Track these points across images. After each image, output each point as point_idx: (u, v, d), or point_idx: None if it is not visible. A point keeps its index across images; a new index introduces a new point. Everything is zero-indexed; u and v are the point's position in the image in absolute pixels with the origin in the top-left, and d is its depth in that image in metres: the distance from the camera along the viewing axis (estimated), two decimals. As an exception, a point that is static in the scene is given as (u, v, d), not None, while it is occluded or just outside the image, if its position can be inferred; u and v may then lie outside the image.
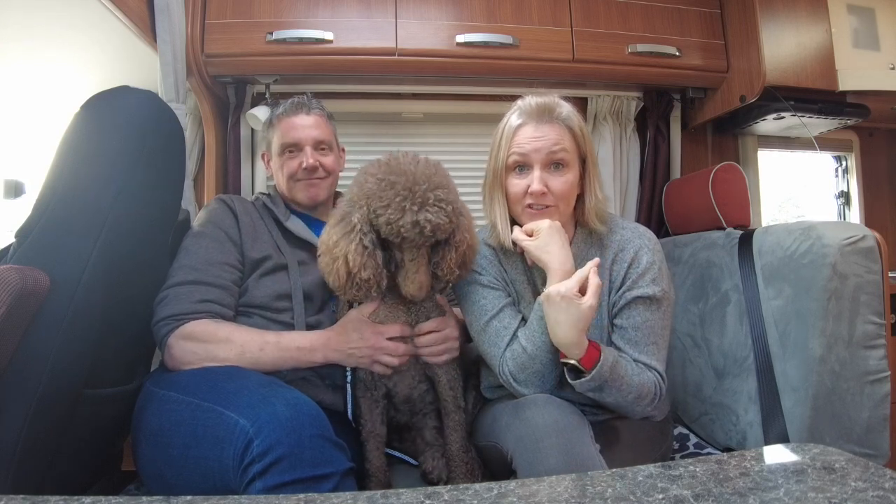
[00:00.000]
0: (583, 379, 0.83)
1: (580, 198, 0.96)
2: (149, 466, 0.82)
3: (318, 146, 1.16)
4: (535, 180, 0.90)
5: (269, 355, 0.90)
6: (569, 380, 0.85)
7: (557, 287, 0.83)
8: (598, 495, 0.46)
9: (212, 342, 0.89)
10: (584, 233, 0.98)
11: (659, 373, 0.89)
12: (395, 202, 0.80)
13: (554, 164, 0.91)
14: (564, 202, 0.92)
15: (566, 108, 0.94)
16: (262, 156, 1.27)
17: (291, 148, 1.15)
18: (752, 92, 1.48)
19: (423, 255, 0.86)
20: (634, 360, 0.89)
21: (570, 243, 0.97)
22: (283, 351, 0.91)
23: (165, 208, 0.94)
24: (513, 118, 0.95)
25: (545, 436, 0.77)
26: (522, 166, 0.93)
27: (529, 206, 0.92)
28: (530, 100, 0.94)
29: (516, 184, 0.93)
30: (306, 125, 1.16)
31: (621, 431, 0.92)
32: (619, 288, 0.94)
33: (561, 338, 0.83)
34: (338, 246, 0.85)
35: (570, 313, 0.81)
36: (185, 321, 0.90)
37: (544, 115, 0.92)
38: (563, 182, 0.91)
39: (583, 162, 0.95)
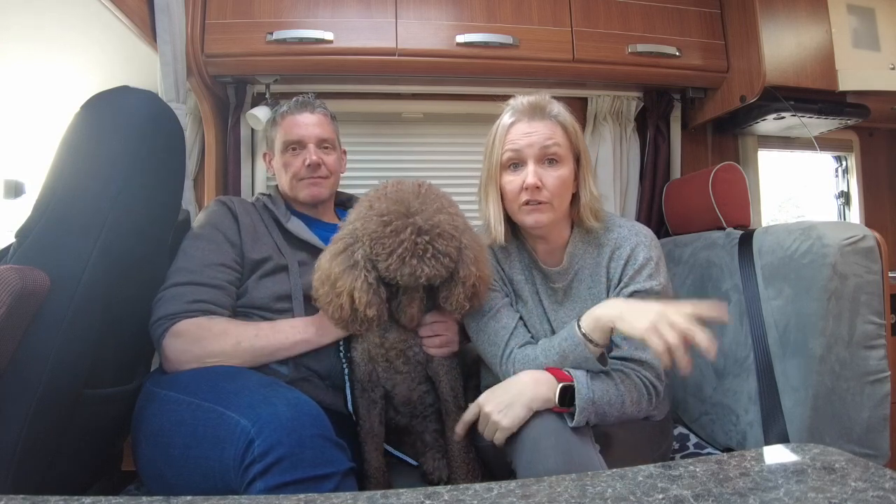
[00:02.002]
0: (575, 421, 0.81)
1: (575, 196, 0.97)
2: (149, 467, 0.82)
3: (321, 144, 1.16)
4: (529, 174, 0.90)
5: (263, 340, 0.91)
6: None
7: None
8: (598, 495, 0.46)
9: (206, 337, 0.89)
10: (581, 231, 0.99)
11: (654, 367, 0.89)
12: (398, 252, 0.79)
13: (548, 158, 0.92)
14: (559, 198, 0.92)
15: (557, 106, 0.95)
16: (264, 156, 1.27)
17: (294, 145, 1.15)
18: (752, 92, 1.48)
19: (417, 290, 0.86)
20: (630, 358, 0.89)
21: (567, 242, 0.98)
22: (278, 332, 0.93)
23: (165, 208, 0.94)
24: (505, 117, 0.96)
25: (544, 436, 0.77)
26: (517, 163, 0.93)
27: (526, 202, 0.92)
28: (522, 99, 0.96)
29: (511, 181, 0.93)
30: (310, 123, 1.16)
31: (621, 432, 0.92)
32: (617, 285, 0.94)
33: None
34: (341, 279, 0.84)
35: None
36: (177, 320, 0.90)
37: (536, 112, 0.93)
38: (556, 177, 0.91)
39: (577, 159, 0.96)
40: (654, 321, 0.73)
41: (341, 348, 1.00)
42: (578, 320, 0.85)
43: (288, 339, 0.93)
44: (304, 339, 0.94)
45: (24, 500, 0.46)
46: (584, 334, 0.83)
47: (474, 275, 0.87)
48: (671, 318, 0.72)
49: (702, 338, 0.70)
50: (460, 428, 0.88)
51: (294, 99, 1.20)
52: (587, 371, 0.85)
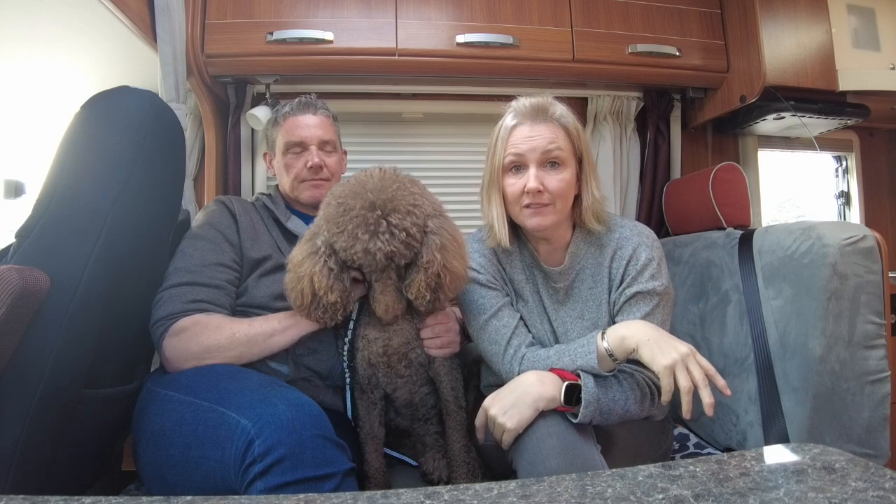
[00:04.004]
0: (580, 417, 0.82)
1: (577, 198, 0.97)
2: (149, 467, 0.82)
3: (323, 146, 1.16)
4: (531, 178, 0.90)
5: (257, 327, 0.91)
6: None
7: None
8: (598, 495, 0.46)
9: (202, 332, 0.89)
10: (583, 232, 0.98)
11: None
12: (348, 229, 0.79)
13: (550, 162, 0.91)
14: (562, 200, 0.92)
15: (560, 108, 0.95)
16: (264, 155, 1.27)
17: (296, 147, 1.15)
18: (752, 92, 1.48)
19: (389, 277, 0.84)
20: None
21: (569, 244, 0.98)
22: (271, 319, 0.93)
23: (165, 208, 0.94)
24: (508, 119, 0.95)
25: (546, 436, 0.77)
26: (519, 166, 0.93)
27: (527, 205, 0.92)
28: (524, 100, 0.95)
29: (513, 183, 0.93)
30: (312, 125, 1.16)
31: (622, 432, 0.92)
32: (619, 285, 0.94)
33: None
34: (303, 266, 0.84)
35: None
36: (176, 320, 0.90)
37: (539, 114, 0.93)
38: (559, 180, 0.91)
39: (579, 161, 0.96)
40: (675, 361, 0.76)
41: (345, 352, 0.99)
42: (602, 333, 0.85)
43: (280, 323, 0.93)
44: (295, 322, 0.93)
45: (24, 500, 0.46)
46: (606, 349, 0.83)
47: (438, 262, 0.83)
48: (691, 365, 0.75)
49: (709, 394, 0.75)
50: (480, 434, 0.88)
51: (297, 100, 1.19)
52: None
